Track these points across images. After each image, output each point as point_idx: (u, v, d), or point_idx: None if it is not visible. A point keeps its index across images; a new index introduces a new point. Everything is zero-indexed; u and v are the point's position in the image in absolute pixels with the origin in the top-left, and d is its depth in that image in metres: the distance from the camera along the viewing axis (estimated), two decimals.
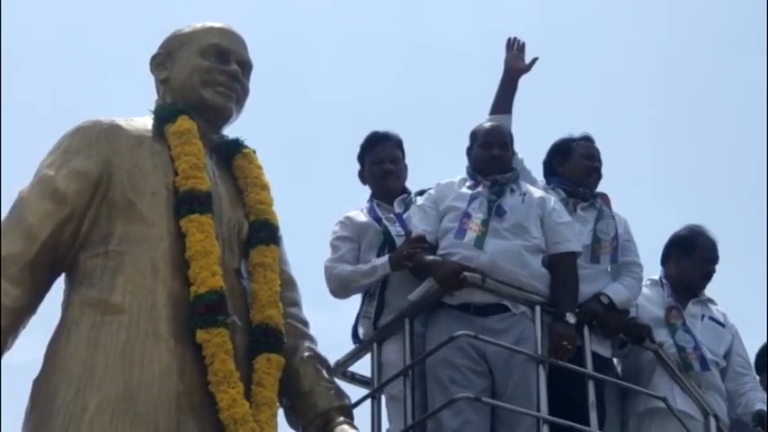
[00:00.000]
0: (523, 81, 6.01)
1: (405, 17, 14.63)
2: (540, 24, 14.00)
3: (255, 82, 4.87)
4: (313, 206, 5.95)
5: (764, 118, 10.83)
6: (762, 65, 11.22)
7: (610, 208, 5.79)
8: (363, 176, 5.74)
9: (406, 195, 5.68)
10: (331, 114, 13.97)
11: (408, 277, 5.34)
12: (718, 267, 6.03)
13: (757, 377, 6.06)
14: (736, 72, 13.81)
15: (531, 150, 6.05)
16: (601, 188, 5.91)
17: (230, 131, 4.87)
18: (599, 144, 5.98)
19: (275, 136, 12.70)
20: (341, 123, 13.38)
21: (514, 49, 6.03)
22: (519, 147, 5.83)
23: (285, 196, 5.69)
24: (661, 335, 5.67)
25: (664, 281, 5.99)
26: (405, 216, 5.49)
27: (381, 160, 5.64)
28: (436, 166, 5.77)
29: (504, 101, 5.93)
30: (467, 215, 5.21)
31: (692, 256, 6.03)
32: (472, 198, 5.28)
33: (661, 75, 14.01)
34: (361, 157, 5.73)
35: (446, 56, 13.91)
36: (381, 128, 5.85)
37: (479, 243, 5.11)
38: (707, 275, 6.02)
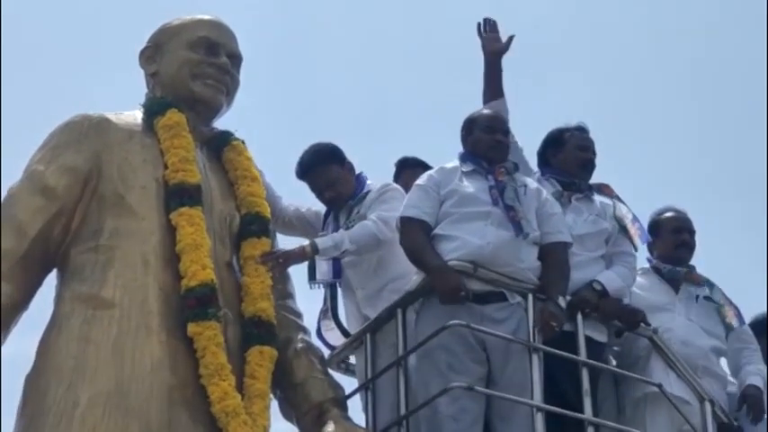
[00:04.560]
0: (533, 68, 5.96)
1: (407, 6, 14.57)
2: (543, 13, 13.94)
3: (256, 76, 4.82)
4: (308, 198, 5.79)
5: (765, 116, 10.79)
6: (762, 57, 11.16)
7: (612, 196, 5.76)
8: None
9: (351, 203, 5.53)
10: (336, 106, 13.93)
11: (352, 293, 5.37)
12: (720, 264, 6.15)
13: (758, 347, 6.10)
14: (736, 58, 13.79)
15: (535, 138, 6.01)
16: (614, 180, 5.87)
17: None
18: (606, 135, 5.92)
19: (281, 129, 12.67)
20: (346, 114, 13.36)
21: (486, 31, 5.97)
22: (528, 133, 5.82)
23: (281, 187, 5.70)
24: (655, 321, 5.66)
25: (652, 263, 6.04)
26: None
27: (320, 191, 5.53)
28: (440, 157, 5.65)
29: (493, 86, 5.86)
30: (511, 209, 5.19)
31: (662, 236, 6.10)
32: (501, 188, 5.25)
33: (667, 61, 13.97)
34: (301, 179, 5.58)
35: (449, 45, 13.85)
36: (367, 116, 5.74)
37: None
38: (680, 245, 6.07)
